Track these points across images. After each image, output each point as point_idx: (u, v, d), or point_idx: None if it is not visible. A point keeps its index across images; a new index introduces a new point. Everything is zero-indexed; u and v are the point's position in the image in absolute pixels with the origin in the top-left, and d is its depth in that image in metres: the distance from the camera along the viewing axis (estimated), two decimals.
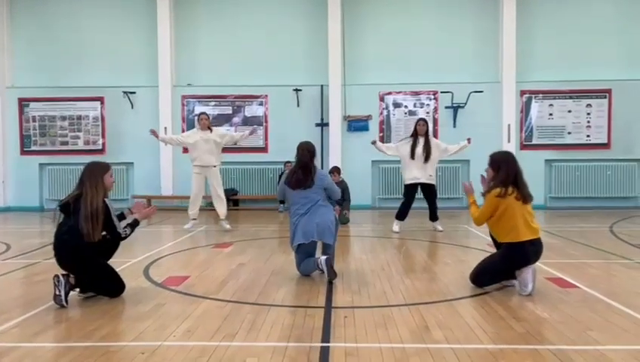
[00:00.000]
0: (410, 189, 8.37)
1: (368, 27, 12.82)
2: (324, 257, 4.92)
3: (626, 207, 12.24)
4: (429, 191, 8.38)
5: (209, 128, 8.74)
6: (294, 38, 12.89)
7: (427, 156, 8.16)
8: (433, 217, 8.54)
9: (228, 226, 8.78)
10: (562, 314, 3.88)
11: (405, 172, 8.37)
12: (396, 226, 8.45)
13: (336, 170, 9.75)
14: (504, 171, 4.56)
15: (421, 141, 8.23)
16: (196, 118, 9.20)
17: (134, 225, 4.52)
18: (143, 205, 4.83)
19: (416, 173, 8.21)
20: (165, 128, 12.61)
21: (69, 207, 4.24)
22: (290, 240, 5.29)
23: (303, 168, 5.18)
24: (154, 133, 8.89)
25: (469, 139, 8.61)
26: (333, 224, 5.17)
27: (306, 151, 5.22)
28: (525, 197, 4.51)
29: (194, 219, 8.79)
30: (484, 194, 4.68)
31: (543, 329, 3.56)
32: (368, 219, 10.66)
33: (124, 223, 4.47)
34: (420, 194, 8.49)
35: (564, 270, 5.39)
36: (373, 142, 8.71)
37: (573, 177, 12.57)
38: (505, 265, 4.55)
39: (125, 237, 4.43)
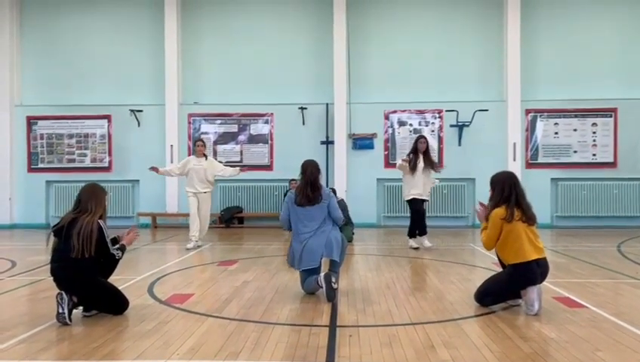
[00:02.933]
0: (417, 204, 8.50)
1: (373, 46, 12.92)
2: (323, 273, 4.89)
3: (633, 226, 12.13)
4: (423, 207, 8.61)
5: (204, 155, 8.97)
6: (300, 57, 13.00)
7: (429, 173, 8.48)
8: (412, 233, 8.64)
9: (190, 246, 8.64)
10: (570, 334, 3.83)
11: (406, 188, 8.58)
12: (427, 242, 8.60)
13: (332, 191, 9.77)
14: (498, 191, 4.60)
15: (422, 158, 8.47)
16: (194, 143, 9.42)
17: (122, 249, 4.48)
18: (132, 231, 4.71)
19: (418, 188, 8.41)
20: (172, 146, 12.70)
21: (63, 231, 4.24)
22: (290, 259, 5.24)
23: (312, 185, 5.18)
24: (154, 169, 9.03)
25: (437, 179, 9.03)
26: (340, 241, 5.16)
27: (314, 169, 5.25)
28: (529, 218, 4.51)
29: (194, 237, 8.83)
30: (486, 218, 4.68)
31: (550, 350, 3.51)
32: (373, 237, 10.62)
33: (115, 246, 4.46)
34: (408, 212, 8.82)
35: (571, 289, 5.34)
36: (405, 160, 8.56)
37: (580, 196, 12.51)
38: (511, 285, 4.51)
39: (118, 259, 4.43)
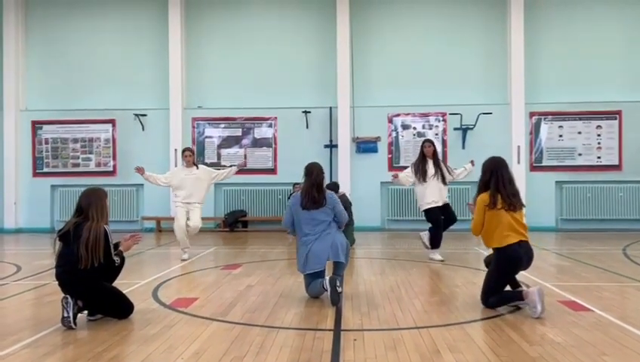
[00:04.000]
0: (434, 213, 7.77)
1: (377, 49, 12.93)
2: (328, 277, 4.89)
3: (639, 229, 12.06)
4: (448, 210, 7.85)
5: (194, 165, 8.29)
6: (303, 61, 13.02)
7: (442, 178, 7.77)
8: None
9: (185, 256, 8.07)
10: (576, 338, 3.81)
11: (419, 198, 7.86)
12: (437, 255, 7.76)
13: (335, 185, 9.37)
14: (481, 176, 4.76)
15: (430, 163, 7.86)
16: (181, 153, 8.63)
17: (119, 254, 4.43)
18: (130, 237, 4.64)
19: (433, 196, 7.69)
20: (175, 150, 12.72)
21: (68, 236, 4.24)
22: (298, 264, 5.23)
23: (318, 187, 5.17)
24: (140, 170, 8.15)
25: (472, 162, 8.18)
26: (345, 244, 5.17)
27: (319, 171, 5.24)
28: (511, 205, 4.56)
29: (187, 248, 8.14)
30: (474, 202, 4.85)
31: (556, 354, 3.49)
32: (378, 240, 10.60)
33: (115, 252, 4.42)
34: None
35: (576, 293, 5.32)
36: (395, 176, 8.05)
37: (585, 199, 12.45)
38: (500, 270, 4.61)
39: (119, 266, 4.41)
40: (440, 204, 7.73)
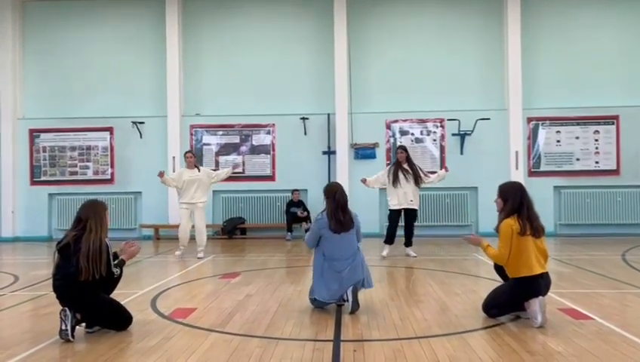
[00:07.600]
0: (394, 215, 8.76)
1: (374, 56, 12.95)
2: (351, 287, 4.94)
3: (637, 233, 12.06)
4: (410, 215, 8.80)
5: (196, 166, 9.07)
6: (301, 68, 13.04)
7: (415, 181, 8.66)
8: (408, 242, 8.91)
9: (201, 255, 9.00)
10: (576, 348, 3.79)
11: (389, 198, 8.81)
12: (385, 251, 8.83)
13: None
14: (510, 202, 4.55)
15: (403, 167, 8.70)
16: (183, 155, 9.41)
17: (121, 264, 4.42)
18: (129, 244, 4.61)
19: (398, 199, 8.64)
20: (174, 158, 12.70)
21: (68, 249, 4.20)
22: (318, 289, 5.02)
23: (343, 209, 5.06)
24: (161, 174, 8.93)
25: (446, 168, 9.23)
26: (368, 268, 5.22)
27: (342, 192, 5.12)
28: (536, 230, 4.47)
29: (183, 246, 9.09)
30: (497, 229, 4.63)
31: None
32: (376, 247, 10.55)
33: (115, 262, 4.39)
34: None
35: (576, 300, 5.30)
36: (363, 181, 8.96)
37: (583, 204, 12.46)
38: (516, 297, 4.49)
39: (117, 278, 4.37)
40: (404, 206, 8.64)
